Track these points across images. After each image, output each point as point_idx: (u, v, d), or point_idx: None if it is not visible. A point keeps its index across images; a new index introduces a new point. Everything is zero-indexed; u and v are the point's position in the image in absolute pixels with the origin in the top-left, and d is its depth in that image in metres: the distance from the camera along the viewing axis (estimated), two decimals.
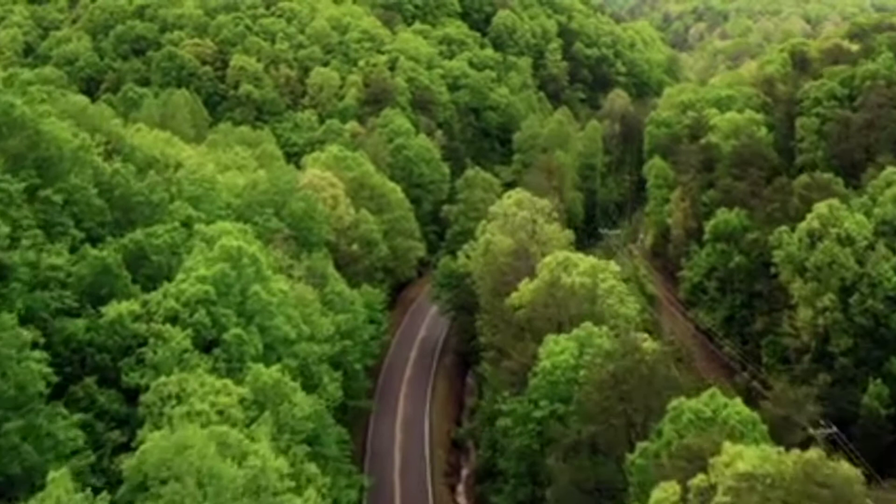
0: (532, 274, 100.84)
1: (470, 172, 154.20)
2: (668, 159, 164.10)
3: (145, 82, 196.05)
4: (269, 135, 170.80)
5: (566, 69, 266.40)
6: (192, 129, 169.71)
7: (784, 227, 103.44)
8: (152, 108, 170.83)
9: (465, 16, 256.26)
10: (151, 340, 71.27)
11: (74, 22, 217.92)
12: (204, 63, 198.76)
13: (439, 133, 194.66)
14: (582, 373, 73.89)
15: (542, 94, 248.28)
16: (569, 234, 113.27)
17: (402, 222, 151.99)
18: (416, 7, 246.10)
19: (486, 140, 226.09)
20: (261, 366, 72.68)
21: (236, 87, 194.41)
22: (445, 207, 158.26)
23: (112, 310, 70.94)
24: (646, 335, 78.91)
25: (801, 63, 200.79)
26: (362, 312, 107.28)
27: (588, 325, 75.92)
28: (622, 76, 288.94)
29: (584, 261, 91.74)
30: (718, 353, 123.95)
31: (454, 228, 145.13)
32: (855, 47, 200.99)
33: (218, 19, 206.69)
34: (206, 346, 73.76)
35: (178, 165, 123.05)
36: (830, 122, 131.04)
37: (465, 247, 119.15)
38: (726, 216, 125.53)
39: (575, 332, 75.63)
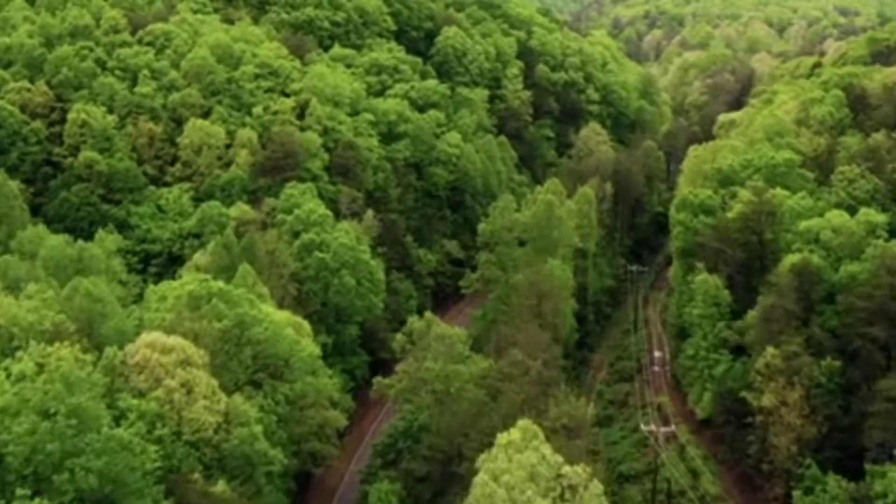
0: None
1: (418, 323, 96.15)
2: (721, 272, 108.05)
3: None
4: (107, 238, 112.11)
5: (528, 99, 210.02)
6: None
7: None
8: None
9: (400, 35, 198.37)
10: None
11: None
12: (34, 116, 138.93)
13: (369, 214, 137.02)
14: None
15: (502, 136, 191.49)
16: None
17: (310, 390, 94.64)
18: (335, 25, 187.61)
19: (431, 204, 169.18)
20: None
21: (76, 152, 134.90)
22: (377, 380, 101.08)
23: None
24: None
25: (859, 103, 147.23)
26: None
27: None
28: (595, 104, 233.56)
29: None
30: None
31: (395, 426, 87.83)
32: None
33: (58, 51, 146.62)
34: None
35: None
36: None
37: None
38: None
39: None
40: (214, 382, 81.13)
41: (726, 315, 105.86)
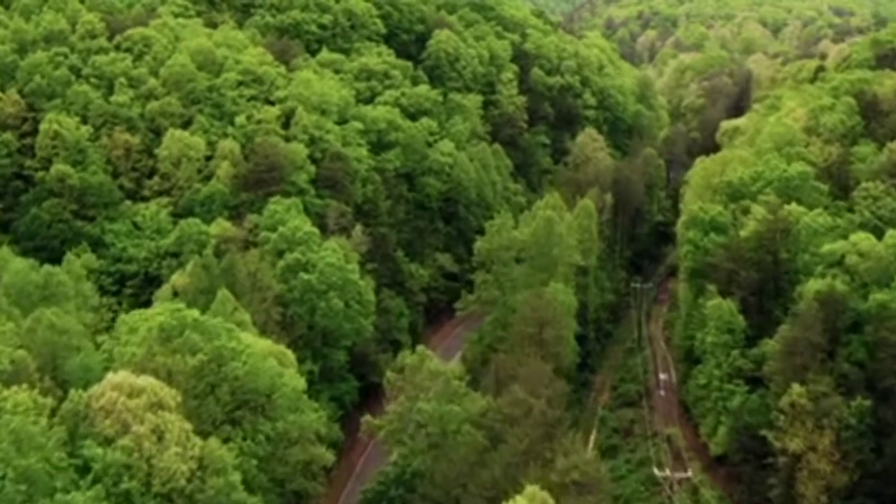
0: None
1: (410, 358, 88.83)
2: (734, 295, 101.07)
3: None
4: (75, 261, 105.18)
5: (523, 105, 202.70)
6: None
7: None
8: None
9: (390, 38, 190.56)
10: None
11: None
12: (4, 127, 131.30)
13: (357, 229, 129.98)
14: None
15: (496, 144, 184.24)
16: None
17: (293, 428, 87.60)
18: (322, 28, 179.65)
19: (423, 216, 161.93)
20: None
21: (48, 165, 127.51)
22: (366, 420, 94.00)
23: None
24: None
25: (871, 110, 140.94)
26: None
27: None
28: (591, 109, 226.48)
29: None
30: None
31: (387, 471, 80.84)
32: None
33: (31, 58, 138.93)
34: None
35: None
36: None
37: None
38: None
39: None
40: (188, 426, 74.25)
41: (741, 342, 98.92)
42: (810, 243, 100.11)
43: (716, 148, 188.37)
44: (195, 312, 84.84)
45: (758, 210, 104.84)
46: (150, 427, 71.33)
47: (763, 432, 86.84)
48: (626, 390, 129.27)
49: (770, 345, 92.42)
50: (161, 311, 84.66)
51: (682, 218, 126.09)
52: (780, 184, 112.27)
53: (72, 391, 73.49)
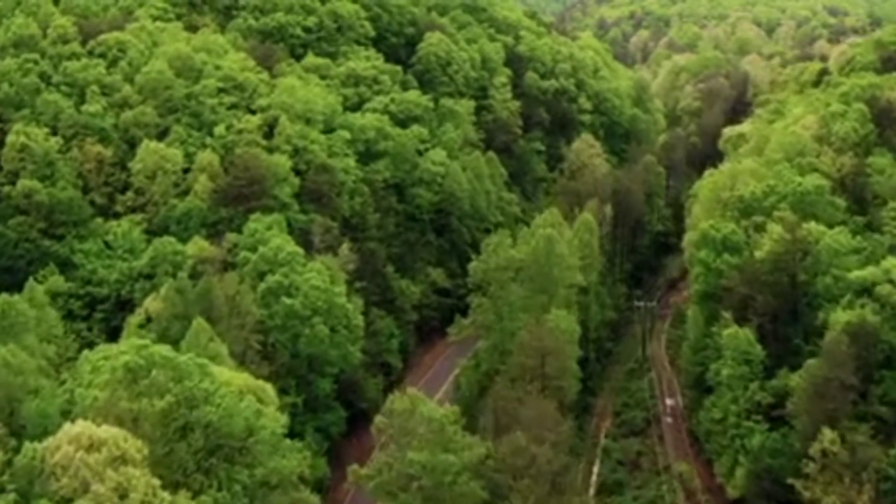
0: None
1: (400, 402, 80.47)
2: (750, 321, 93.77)
3: None
4: (38, 288, 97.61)
5: (517, 110, 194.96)
6: None
7: None
8: None
9: (379, 41, 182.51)
10: None
11: None
12: None
13: (344, 247, 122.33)
14: None
15: (490, 152, 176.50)
16: None
17: (273, 474, 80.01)
18: (307, 31, 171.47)
19: (414, 229, 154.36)
20: None
21: (14, 179, 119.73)
22: (353, 469, 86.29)
23: None
24: None
25: (885, 118, 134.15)
26: None
27: None
28: (587, 114, 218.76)
29: None
30: None
31: None
32: None
33: None
34: None
35: None
36: None
37: None
38: None
39: None
40: (155, 482, 66.71)
41: (759, 374, 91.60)
42: (831, 265, 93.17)
43: (717, 154, 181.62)
44: (164, 349, 77.13)
45: (774, 228, 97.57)
46: (111, 485, 63.88)
47: (790, 481, 79.63)
48: (631, 417, 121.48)
49: (793, 379, 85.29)
50: (126, 348, 76.84)
51: (692, 236, 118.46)
52: (794, 198, 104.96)
53: (26, 444, 66.18)
